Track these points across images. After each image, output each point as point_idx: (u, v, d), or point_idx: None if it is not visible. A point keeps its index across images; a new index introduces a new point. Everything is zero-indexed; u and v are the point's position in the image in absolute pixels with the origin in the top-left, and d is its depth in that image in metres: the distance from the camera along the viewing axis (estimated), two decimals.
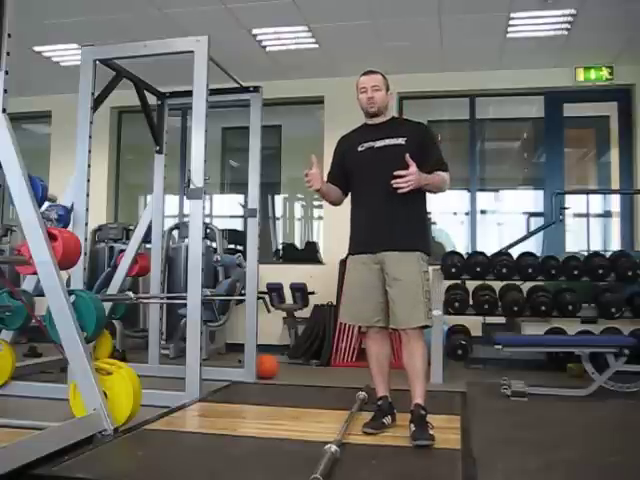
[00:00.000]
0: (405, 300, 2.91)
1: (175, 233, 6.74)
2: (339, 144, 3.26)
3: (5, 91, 2.92)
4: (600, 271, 5.11)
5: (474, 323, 5.70)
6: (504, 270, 5.17)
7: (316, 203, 8.70)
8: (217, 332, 6.39)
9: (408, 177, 2.81)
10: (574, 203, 6.83)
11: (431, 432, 2.77)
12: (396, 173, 2.83)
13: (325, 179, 3.13)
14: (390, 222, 2.97)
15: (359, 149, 3.08)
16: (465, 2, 5.10)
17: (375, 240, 3.00)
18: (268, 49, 6.17)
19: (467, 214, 7.01)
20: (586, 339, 4.88)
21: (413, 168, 2.82)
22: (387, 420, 3.02)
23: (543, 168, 7.08)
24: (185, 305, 3.92)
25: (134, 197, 8.71)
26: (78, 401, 2.99)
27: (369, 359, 3.13)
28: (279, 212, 8.72)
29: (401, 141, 3.00)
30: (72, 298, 3.18)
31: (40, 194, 3.21)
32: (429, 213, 3.33)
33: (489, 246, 6.42)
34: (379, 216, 2.99)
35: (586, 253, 5.84)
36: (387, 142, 3.02)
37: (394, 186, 2.83)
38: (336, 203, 3.23)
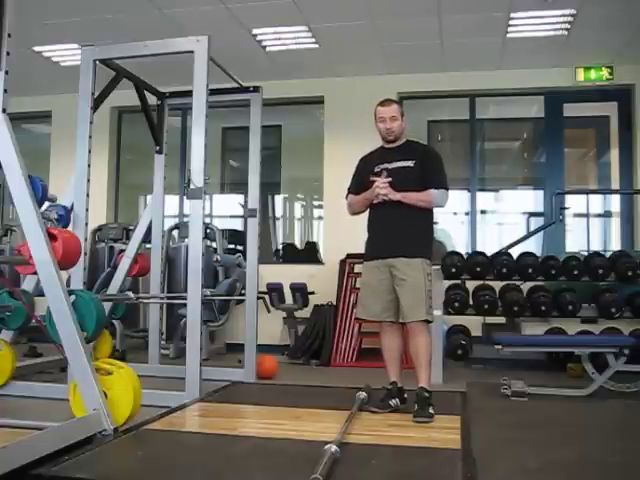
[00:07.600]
0: (409, 298, 3.32)
1: (175, 233, 6.74)
2: (359, 164, 3.66)
3: (5, 91, 2.93)
4: (600, 271, 5.11)
5: (474, 323, 5.69)
6: (504, 270, 5.17)
7: (316, 203, 8.71)
8: (217, 332, 6.39)
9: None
10: (574, 203, 6.84)
11: (431, 411, 3.15)
12: (375, 180, 3.36)
13: (347, 194, 3.63)
14: (400, 233, 3.39)
15: (375, 170, 3.48)
16: (465, 2, 5.10)
17: (387, 248, 3.40)
18: (268, 49, 6.16)
19: (467, 214, 7.01)
20: (586, 339, 4.88)
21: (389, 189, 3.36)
22: (394, 402, 3.36)
23: (543, 168, 7.08)
24: (185, 305, 3.92)
25: (134, 197, 8.71)
26: (78, 401, 2.99)
27: (382, 349, 3.51)
28: (279, 212, 8.72)
29: (410, 163, 3.43)
30: (72, 298, 3.17)
31: (40, 194, 3.20)
32: (436, 223, 3.70)
33: (489, 246, 6.42)
34: (391, 228, 3.41)
35: (586, 253, 5.85)
36: (398, 164, 3.44)
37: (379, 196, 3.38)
38: (359, 213, 3.61)
